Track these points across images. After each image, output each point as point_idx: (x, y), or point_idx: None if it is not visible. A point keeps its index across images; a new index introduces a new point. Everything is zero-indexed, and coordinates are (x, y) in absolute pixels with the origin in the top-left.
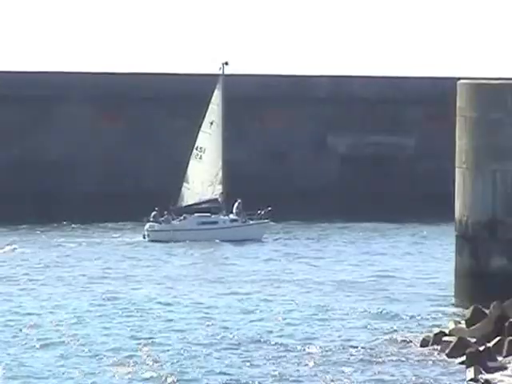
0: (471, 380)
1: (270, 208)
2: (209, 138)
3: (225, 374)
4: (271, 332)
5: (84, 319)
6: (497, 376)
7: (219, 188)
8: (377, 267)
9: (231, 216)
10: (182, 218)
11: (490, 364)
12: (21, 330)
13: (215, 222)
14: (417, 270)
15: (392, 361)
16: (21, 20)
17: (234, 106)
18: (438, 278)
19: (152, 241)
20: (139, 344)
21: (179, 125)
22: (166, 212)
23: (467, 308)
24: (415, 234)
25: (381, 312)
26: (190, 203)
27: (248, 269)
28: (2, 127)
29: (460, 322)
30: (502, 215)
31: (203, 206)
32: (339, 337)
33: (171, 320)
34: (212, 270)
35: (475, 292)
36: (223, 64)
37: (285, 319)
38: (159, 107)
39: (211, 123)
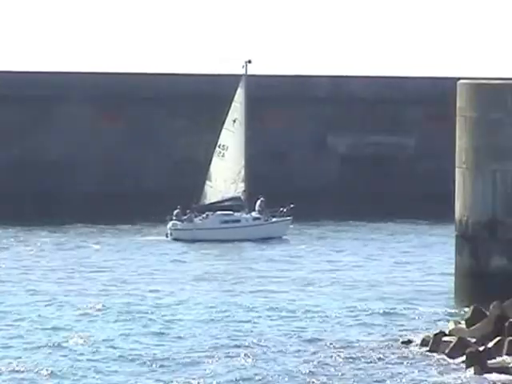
0: (471, 380)
1: (292, 205)
2: (232, 136)
3: (225, 375)
4: (268, 330)
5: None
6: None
7: (242, 186)
8: (376, 267)
9: (253, 214)
10: (204, 216)
11: (490, 364)
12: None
13: (238, 220)
14: (417, 270)
15: (392, 361)
16: (21, 20)
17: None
18: (438, 277)
19: (174, 239)
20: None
21: (179, 125)
22: (188, 210)
23: (467, 308)
24: (415, 234)
25: (380, 312)
26: (212, 201)
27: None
28: (1, 127)
29: (460, 322)
30: (502, 215)
31: (226, 204)
32: (339, 336)
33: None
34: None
35: (475, 292)
36: (246, 62)
37: (282, 318)
38: (159, 107)
39: (234, 121)
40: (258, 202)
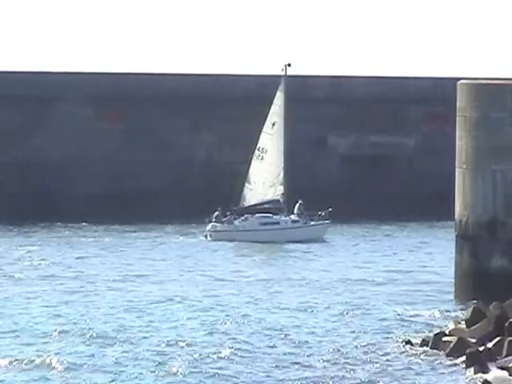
0: (471, 380)
1: (330, 209)
2: (270, 139)
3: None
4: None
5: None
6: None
7: (280, 189)
8: (376, 267)
9: (292, 217)
10: (243, 218)
11: (490, 364)
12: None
13: (277, 223)
14: (417, 270)
15: (392, 361)
16: (20, 20)
17: (234, 105)
18: (438, 277)
19: (214, 241)
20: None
21: (179, 125)
22: (228, 212)
23: (467, 308)
24: (415, 234)
25: (380, 311)
26: (251, 204)
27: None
28: (1, 127)
29: (460, 322)
30: (502, 215)
31: (265, 206)
32: (337, 336)
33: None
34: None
35: (475, 292)
36: (286, 65)
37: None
38: (159, 107)
39: (273, 124)
40: (297, 205)
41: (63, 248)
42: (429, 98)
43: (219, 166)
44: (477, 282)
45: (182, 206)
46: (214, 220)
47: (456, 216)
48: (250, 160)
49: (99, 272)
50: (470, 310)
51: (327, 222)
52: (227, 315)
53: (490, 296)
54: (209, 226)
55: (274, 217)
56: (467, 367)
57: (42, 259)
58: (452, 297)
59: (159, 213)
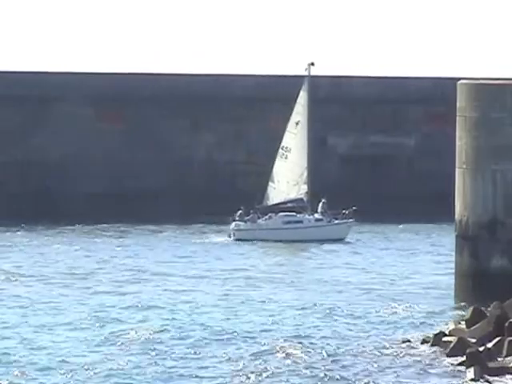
0: (471, 380)
1: (354, 208)
2: (294, 138)
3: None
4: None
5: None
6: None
7: (304, 187)
8: (376, 267)
9: (316, 215)
10: (267, 217)
11: (490, 364)
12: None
13: (300, 222)
14: (417, 270)
15: (391, 361)
16: (20, 20)
17: (233, 105)
18: (438, 277)
19: (237, 240)
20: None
21: (179, 125)
22: (251, 211)
23: (467, 308)
24: (415, 234)
25: (381, 312)
26: (275, 202)
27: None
28: (1, 127)
29: (460, 322)
30: (502, 215)
31: (288, 205)
32: (337, 335)
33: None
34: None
35: (475, 292)
36: (309, 65)
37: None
38: (159, 107)
39: (297, 123)
40: (321, 204)
41: (63, 248)
42: (429, 98)
43: (219, 165)
44: (477, 282)
45: (181, 206)
46: (237, 219)
47: (456, 216)
48: (251, 160)
49: (94, 271)
50: (470, 310)
51: (351, 220)
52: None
53: (490, 296)
54: (232, 225)
55: (298, 215)
56: (467, 367)
57: (42, 259)
58: (452, 297)
59: (159, 213)
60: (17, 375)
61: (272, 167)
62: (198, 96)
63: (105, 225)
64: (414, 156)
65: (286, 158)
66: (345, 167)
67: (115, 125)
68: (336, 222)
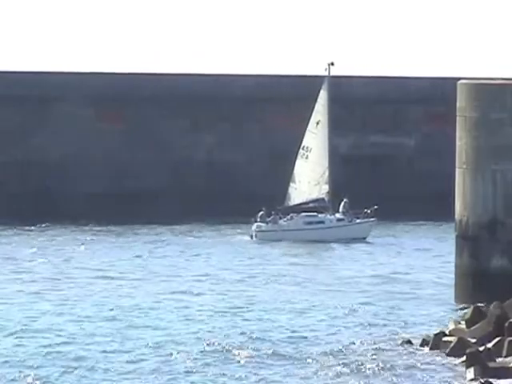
0: (471, 380)
1: (376, 207)
2: (315, 138)
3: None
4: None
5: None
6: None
7: (325, 187)
8: (376, 267)
9: (337, 215)
10: (288, 217)
11: (490, 364)
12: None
13: (322, 222)
14: (417, 270)
15: (391, 361)
16: (20, 20)
17: (233, 105)
18: (438, 277)
19: (259, 240)
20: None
21: (179, 125)
22: (273, 212)
23: (467, 308)
24: (415, 234)
25: (380, 311)
26: (296, 203)
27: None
28: (1, 127)
29: (460, 322)
30: (502, 215)
31: (310, 205)
32: (337, 335)
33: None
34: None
35: (475, 292)
36: (329, 64)
37: (280, 316)
38: (159, 107)
39: (317, 123)
40: (342, 204)
41: (63, 248)
42: (429, 98)
43: (219, 166)
44: (477, 282)
45: (181, 206)
46: (258, 220)
47: (456, 216)
48: (251, 160)
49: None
50: (470, 310)
51: (372, 219)
52: None
53: (490, 296)
54: (254, 226)
55: (319, 216)
56: (467, 367)
57: (43, 259)
58: (452, 297)
59: (159, 213)
60: None
61: (272, 167)
62: (198, 96)
63: (104, 225)
64: (414, 156)
65: (306, 157)
66: (345, 167)
67: (115, 125)
68: (357, 221)
